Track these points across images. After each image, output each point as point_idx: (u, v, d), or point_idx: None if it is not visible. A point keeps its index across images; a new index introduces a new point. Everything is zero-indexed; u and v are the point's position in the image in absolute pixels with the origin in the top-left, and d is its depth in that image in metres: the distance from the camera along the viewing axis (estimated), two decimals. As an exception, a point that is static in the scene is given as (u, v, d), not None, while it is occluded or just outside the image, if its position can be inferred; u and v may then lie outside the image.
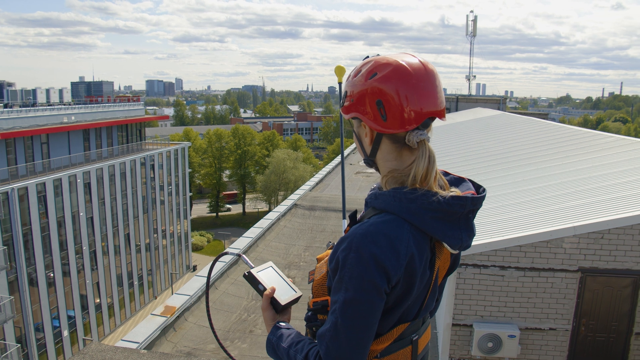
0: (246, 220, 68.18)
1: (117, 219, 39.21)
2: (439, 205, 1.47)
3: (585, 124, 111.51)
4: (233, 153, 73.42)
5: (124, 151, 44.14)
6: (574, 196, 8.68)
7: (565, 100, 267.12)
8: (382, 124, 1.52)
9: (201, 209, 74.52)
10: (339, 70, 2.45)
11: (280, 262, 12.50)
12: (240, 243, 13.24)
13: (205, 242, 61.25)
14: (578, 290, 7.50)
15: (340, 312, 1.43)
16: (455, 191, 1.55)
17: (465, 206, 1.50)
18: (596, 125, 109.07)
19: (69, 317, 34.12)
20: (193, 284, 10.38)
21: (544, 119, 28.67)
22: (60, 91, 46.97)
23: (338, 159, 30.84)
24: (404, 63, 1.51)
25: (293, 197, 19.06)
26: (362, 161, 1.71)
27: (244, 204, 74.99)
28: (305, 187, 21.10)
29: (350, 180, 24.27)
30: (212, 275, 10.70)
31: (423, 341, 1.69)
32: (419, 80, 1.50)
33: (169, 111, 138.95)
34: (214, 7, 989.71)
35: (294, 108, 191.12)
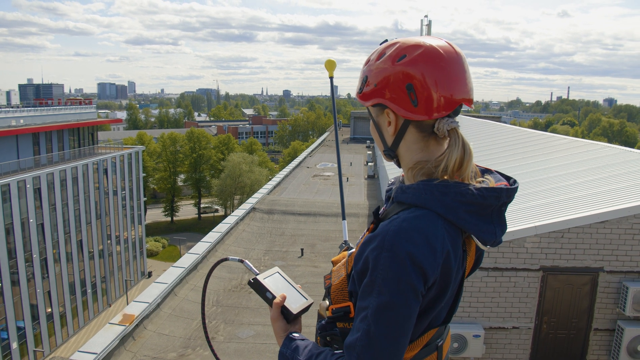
0: (202, 225, 67.40)
1: (69, 225, 38.15)
2: (473, 197, 1.37)
3: (535, 127, 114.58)
4: (188, 157, 72.56)
5: (75, 155, 43.02)
6: (534, 197, 8.83)
7: (516, 104, 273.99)
8: (413, 110, 1.41)
9: (156, 214, 73.31)
10: (330, 65, 2.30)
11: (239, 267, 12.35)
12: (199, 248, 13.03)
13: (160, 248, 60.24)
14: (540, 288, 7.63)
15: (374, 319, 1.30)
16: (488, 180, 1.46)
17: (500, 198, 1.40)
18: (545, 128, 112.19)
19: (19, 329, 32.94)
20: (152, 291, 10.14)
21: (497, 122, 29.26)
22: (8, 93, 45.44)
23: (294, 162, 30.81)
24: (435, 45, 1.41)
25: (251, 201, 18.92)
26: (383, 152, 1.58)
27: (199, 209, 74.18)
28: (262, 191, 20.98)
29: (308, 183, 24.24)
30: (170, 281, 10.44)
31: (446, 346, 1.60)
32: (450, 64, 1.40)
33: (122, 115, 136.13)
34: (167, 9, 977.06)
35: (249, 112, 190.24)
